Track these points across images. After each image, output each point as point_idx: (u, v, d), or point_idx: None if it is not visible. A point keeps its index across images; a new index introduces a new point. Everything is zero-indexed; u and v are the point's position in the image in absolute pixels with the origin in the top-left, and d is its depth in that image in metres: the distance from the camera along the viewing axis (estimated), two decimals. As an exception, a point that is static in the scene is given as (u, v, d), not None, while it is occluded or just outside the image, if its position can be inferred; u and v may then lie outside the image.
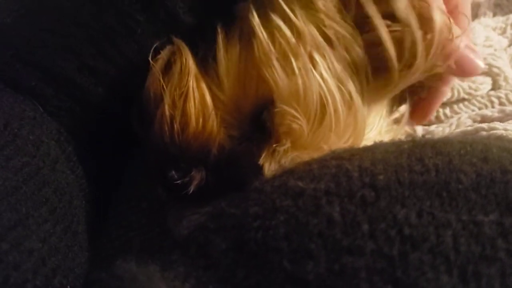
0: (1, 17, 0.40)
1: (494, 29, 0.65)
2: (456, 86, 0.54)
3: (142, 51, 0.40)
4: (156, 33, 0.40)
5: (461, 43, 0.38)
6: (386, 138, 0.44)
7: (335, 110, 0.37)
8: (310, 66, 0.37)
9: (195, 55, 0.42)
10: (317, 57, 0.37)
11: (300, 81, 0.37)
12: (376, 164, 0.27)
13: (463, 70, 0.39)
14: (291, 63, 0.37)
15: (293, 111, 0.37)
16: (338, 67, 0.37)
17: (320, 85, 0.37)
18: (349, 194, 0.25)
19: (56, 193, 0.33)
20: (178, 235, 0.41)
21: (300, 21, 0.37)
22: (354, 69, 0.39)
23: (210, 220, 0.28)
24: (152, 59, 0.40)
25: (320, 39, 0.37)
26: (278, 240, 0.24)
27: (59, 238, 0.32)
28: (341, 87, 0.37)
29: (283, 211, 0.25)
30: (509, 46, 0.61)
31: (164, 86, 0.40)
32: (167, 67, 0.41)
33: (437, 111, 0.55)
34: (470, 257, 0.21)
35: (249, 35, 0.39)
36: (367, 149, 0.31)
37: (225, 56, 0.40)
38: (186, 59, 0.40)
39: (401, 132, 0.48)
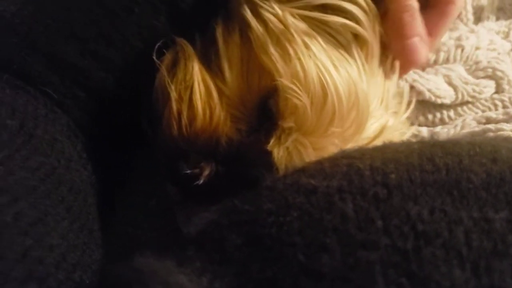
0: (5, 5, 0.40)
1: (497, 33, 0.67)
2: (460, 89, 0.56)
3: (141, 33, 0.42)
4: (155, 13, 0.42)
5: None
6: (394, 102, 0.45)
7: (336, 91, 0.38)
8: (304, 49, 0.38)
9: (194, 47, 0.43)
10: (308, 41, 0.38)
11: (298, 65, 0.38)
12: (387, 163, 0.28)
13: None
14: (287, 49, 0.38)
15: (296, 91, 0.38)
16: (329, 49, 0.39)
17: (317, 66, 0.38)
18: (361, 191, 0.26)
19: (71, 191, 0.34)
20: (188, 232, 0.42)
21: (280, 12, 0.39)
22: (343, 46, 0.40)
23: (223, 216, 0.29)
24: (157, 59, 0.41)
25: (304, 25, 0.39)
26: (293, 235, 0.25)
27: (77, 235, 0.32)
28: (338, 67, 0.39)
29: (296, 208, 0.26)
30: (512, 50, 0.62)
31: (170, 82, 0.41)
32: (173, 67, 0.42)
33: (441, 113, 0.57)
34: (482, 253, 0.22)
35: (245, 28, 0.40)
36: (377, 149, 0.32)
37: (226, 51, 0.41)
38: (189, 56, 0.41)
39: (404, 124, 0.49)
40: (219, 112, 0.40)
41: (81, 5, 0.40)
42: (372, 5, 0.40)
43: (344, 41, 0.40)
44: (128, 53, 0.42)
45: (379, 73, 0.42)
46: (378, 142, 0.40)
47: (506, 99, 0.57)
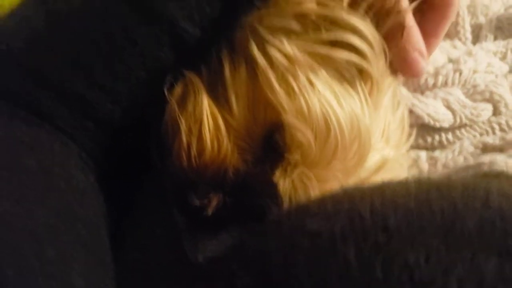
0: (12, 41, 0.42)
1: (495, 54, 0.69)
2: (458, 112, 0.58)
3: (146, 64, 0.44)
4: (158, 44, 0.44)
5: None
6: (395, 135, 0.47)
7: (339, 125, 0.40)
8: (309, 86, 0.40)
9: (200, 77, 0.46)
10: (312, 77, 0.41)
11: (302, 101, 0.40)
12: (386, 206, 0.30)
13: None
14: (291, 85, 0.40)
15: (301, 128, 0.40)
16: (334, 83, 0.41)
17: (321, 102, 0.40)
18: (363, 236, 0.28)
19: (86, 226, 0.36)
20: (194, 259, 0.44)
21: (288, 47, 0.41)
22: (348, 81, 0.42)
23: (233, 252, 0.31)
24: (167, 92, 0.43)
25: (310, 60, 0.41)
26: (300, 276, 0.27)
27: (93, 272, 0.35)
28: (341, 101, 0.41)
29: (303, 251, 0.28)
30: (509, 72, 0.64)
31: (180, 116, 0.43)
32: (182, 100, 0.44)
33: (440, 136, 0.59)
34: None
35: (251, 63, 0.42)
36: (376, 189, 0.34)
37: (233, 84, 0.43)
38: (199, 90, 0.43)
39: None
40: (227, 144, 0.42)
41: (88, 40, 0.42)
42: (378, 38, 0.42)
43: (349, 75, 0.42)
44: (133, 83, 0.44)
45: (381, 106, 0.44)
46: (379, 175, 0.42)
47: (503, 122, 0.59)
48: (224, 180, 0.42)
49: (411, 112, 0.57)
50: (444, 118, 0.58)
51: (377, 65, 0.42)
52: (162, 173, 0.44)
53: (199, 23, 0.45)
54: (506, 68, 0.64)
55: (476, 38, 0.75)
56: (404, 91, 0.58)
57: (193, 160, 0.42)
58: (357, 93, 0.42)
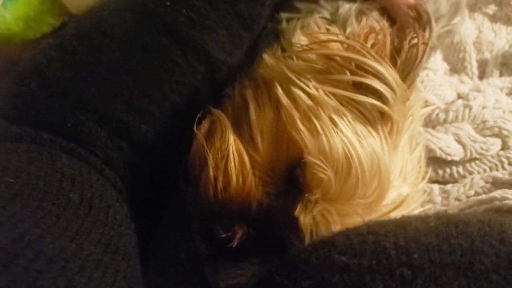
0: (59, 71, 0.45)
1: (501, 89, 0.72)
2: (468, 147, 0.60)
3: (180, 89, 0.46)
4: (193, 72, 0.47)
5: None
6: (412, 174, 0.49)
7: (359, 163, 0.43)
8: (331, 125, 0.43)
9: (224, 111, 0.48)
10: (336, 118, 0.43)
11: (325, 140, 0.43)
12: (409, 242, 0.33)
13: None
14: (315, 124, 0.43)
15: (322, 166, 0.42)
16: (356, 124, 0.44)
17: (343, 142, 0.43)
18: (389, 272, 0.30)
19: (125, 258, 0.38)
20: (216, 286, 0.46)
21: (313, 90, 0.43)
22: (369, 121, 0.45)
23: (261, 286, 0.33)
24: (196, 128, 0.46)
25: (334, 102, 0.43)
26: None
27: None
28: (362, 141, 0.43)
29: (333, 286, 0.30)
30: (516, 107, 0.67)
31: (208, 151, 0.45)
32: (209, 134, 0.47)
33: (451, 169, 0.61)
34: None
35: (276, 101, 0.45)
36: (398, 224, 0.36)
37: (258, 122, 0.46)
38: (225, 127, 0.46)
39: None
40: (251, 179, 0.45)
41: (128, 68, 0.45)
42: (400, 82, 0.45)
43: (371, 117, 0.45)
44: (167, 107, 0.47)
45: (400, 146, 0.46)
46: (397, 211, 0.45)
47: (511, 156, 0.61)
48: (248, 212, 0.45)
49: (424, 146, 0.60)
50: (455, 152, 0.60)
51: (397, 108, 0.44)
52: (188, 200, 0.46)
53: (230, 53, 0.48)
54: (512, 104, 0.67)
55: (483, 73, 0.79)
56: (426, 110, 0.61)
57: (219, 193, 0.45)
58: (378, 133, 0.44)
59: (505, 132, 0.62)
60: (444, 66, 0.78)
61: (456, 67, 0.79)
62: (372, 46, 0.47)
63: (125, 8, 0.47)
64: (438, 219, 0.36)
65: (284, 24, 0.52)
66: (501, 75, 0.78)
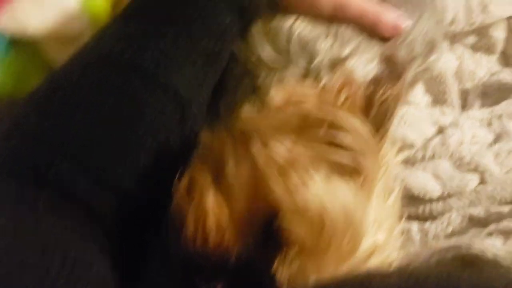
0: (37, 123, 0.47)
1: (481, 121, 0.74)
2: (446, 183, 0.62)
3: (153, 130, 0.49)
4: (164, 111, 0.49)
5: None
6: (387, 220, 0.52)
7: (333, 218, 0.45)
8: (306, 181, 0.45)
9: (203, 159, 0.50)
10: (310, 174, 0.46)
11: (300, 196, 0.45)
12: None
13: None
14: (290, 180, 0.45)
15: (297, 222, 0.44)
16: (328, 178, 0.46)
17: (317, 197, 0.45)
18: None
19: None
20: None
21: (286, 146, 0.46)
22: (342, 175, 0.47)
23: None
24: (176, 182, 0.48)
25: (309, 158, 0.46)
26: None
27: None
28: (336, 195, 0.45)
29: None
30: (494, 141, 0.69)
31: (187, 206, 0.48)
32: (189, 189, 0.49)
33: (431, 205, 0.63)
34: None
35: (253, 157, 0.47)
36: (365, 279, 0.38)
37: (235, 176, 0.48)
38: (204, 182, 0.48)
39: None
40: (230, 232, 0.47)
41: (101, 114, 0.47)
42: (371, 136, 0.47)
43: (345, 170, 0.47)
44: (142, 148, 0.49)
45: (374, 196, 0.48)
46: (373, 258, 0.47)
47: (489, 190, 0.64)
48: (228, 265, 0.47)
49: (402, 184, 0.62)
50: (433, 189, 0.63)
51: (370, 160, 0.46)
52: (170, 250, 0.48)
53: (197, 89, 0.51)
54: (490, 137, 0.69)
55: (465, 102, 0.81)
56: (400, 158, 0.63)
57: (199, 246, 0.47)
58: (351, 186, 0.46)
59: (482, 168, 0.64)
60: (426, 99, 0.80)
61: (438, 98, 0.81)
62: (345, 100, 0.49)
63: (93, 56, 0.50)
64: (399, 275, 0.38)
65: (261, 78, 0.54)
66: (482, 104, 0.80)
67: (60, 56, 0.55)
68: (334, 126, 0.47)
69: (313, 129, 0.47)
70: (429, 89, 0.80)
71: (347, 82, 0.50)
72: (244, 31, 0.54)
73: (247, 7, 0.52)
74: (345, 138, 0.46)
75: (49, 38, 0.57)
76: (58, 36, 0.56)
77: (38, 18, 0.55)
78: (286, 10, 0.56)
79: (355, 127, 0.46)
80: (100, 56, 0.49)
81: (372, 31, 0.57)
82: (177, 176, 0.49)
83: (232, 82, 0.57)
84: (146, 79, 0.48)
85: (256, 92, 0.55)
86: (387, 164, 0.52)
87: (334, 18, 0.56)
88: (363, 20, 0.56)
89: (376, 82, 0.49)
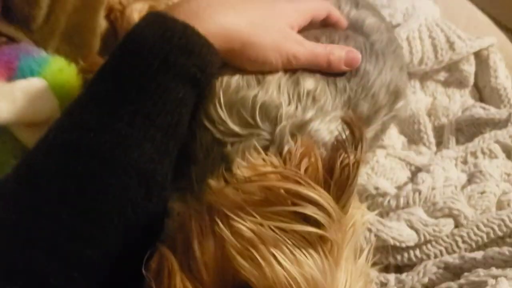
0: (4, 216, 0.48)
1: (456, 159, 0.75)
2: (421, 231, 0.64)
3: (118, 209, 0.50)
4: (127, 188, 0.50)
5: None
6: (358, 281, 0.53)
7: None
8: (271, 255, 0.47)
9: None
10: (275, 247, 0.47)
11: (266, 270, 0.46)
12: None
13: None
14: (255, 255, 0.47)
15: None
16: (295, 250, 0.47)
17: (284, 270, 0.46)
18: None
19: None
20: None
21: (251, 222, 0.47)
22: (309, 245, 0.48)
23: None
24: (145, 266, 0.50)
25: (274, 233, 0.47)
26: None
27: None
28: (303, 267, 0.47)
29: None
30: (468, 181, 0.70)
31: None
32: (158, 272, 0.50)
33: (408, 253, 0.65)
34: None
35: (219, 233, 0.49)
36: None
37: (202, 254, 0.49)
38: (172, 265, 0.50)
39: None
40: None
41: (66, 200, 0.49)
42: (334, 205, 0.48)
43: (311, 240, 0.47)
44: (108, 228, 0.50)
45: (342, 260, 0.50)
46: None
47: (464, 234, 0.65)
48: None
49: (377, 237, 0.64)
50: (409, 238, 0.64)
51: (334, 228, 0.48)
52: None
53: (160, 161, 0.52)
54: (464, 178, 0.71)
55: (440, 139, 0.83)
56: (370, 215, 0.65)
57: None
58: (319, 254, 0.48)
59: (455, 212, 0.65)
60: (402, 139, 0.82)
61: (413, 138, 0.83)
62: (306, 170, 0.50)
63: (55, 144, 0.51)
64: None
65: (228, 147, 0.56)
66: (457, 141, 0.81)
67: (31, 139, 0.57)
68: (297, 197, 0.48)
69: (277, 202, 0.49)
70: (403, 131, 0.83)
71: (308, 150, 0.52)
72: (201, 98, 0.56)
73: (200, 78, 0.53)
74: (308, 210, 0.47)
75: (20, 123, 0.59)
76: (29, 121, 0.58)
77: (9, 106, 0.57)
78: (240, 70, 0.58)
79: (316, 198, 0.48)
80: (61, 144, 0.51)
81: (327, 70, 0.59)
82: (147, 255, 0.50)
83: (202, 150, 0.59)
84: (105, 161, 0.50)
85: (225, 159, 0.57)
86: (354, 227, 0.53)
87: (288, 68, 0.58)
88: (315, 64, 0.59)
89: (337, 146, 0.51)
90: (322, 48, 0.59)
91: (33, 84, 0.59)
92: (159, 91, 0.51)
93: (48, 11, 0.66)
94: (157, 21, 0.53)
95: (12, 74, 0.60)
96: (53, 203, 0.49)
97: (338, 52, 0.59)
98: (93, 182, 0.49)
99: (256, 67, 0.57)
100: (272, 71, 0.58)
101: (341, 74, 0.61)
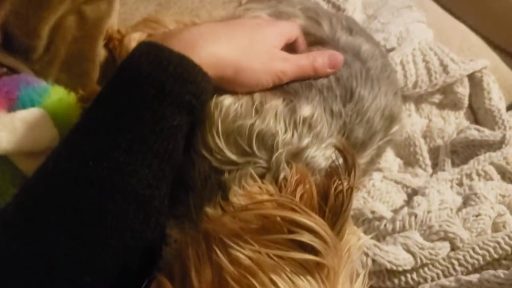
0: (6, 246, 0.49)
1: (451, 181, 0.77)
2: (417, 254, 0.65)
3: (117, 234, 0.51)
4: (125, 213, 0.51)
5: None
6: None
7: None
8: (269, 283, 0.48)
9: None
10: (272, 275, 0.48)
11: None
12: None
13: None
14: (254, 283, 0.48)
15: None
16: (292, 276, 0.48)
17: None
18: None
19: None
20: None
21: (250, 251, 0.48)
22: (305, 272, 0.49)
23: None
24: None
25: (272, 260, 0.48)
26: None
27: None
28: None
29: None
30: (463, 204, 0.72)
31: None
32: None
33: (405, 277, 0.66)
34: None
35: (216, 262, 0.50)
36: None
37: (199, 283, 0.50)
38: None
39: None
40: None
41: (65, 229, 0.50)
42: (330, 232, 0.50)
43: (308, 267, 0.48)
44: (107, 253, 0.51)
45: (340, 285, 0.51)
46: None
47: (461, 257, 0.66)
48: None
49: (374, 261, 0.65)
50: (406, 262, 0.65)
51: (330, 255, 0.49)
52: None
53: (157, 187, 0.53)
54: (459, 201, 0.72)
55: (435, 161, 0.84)
56: (366, 239, 0.66)
57: None
58: (316, 281, 0.48)
59: (451, 235, 0.66)
60: (398, 162, 0.83)
61: (409, 160, 0.84)
62: (301, 197, 0.52)
63: (54, 172, 0.53)
64: None
65: (226, 175, 0.57)
66: (452, 163, 0.83)
67: (31, 168, 0.58)
68: (294, 225, 0.49)
69: (274, 230, 0.50)
70: (399, 153, 0.84)
71: (303, 177, 0.53)
72: (196, 123, 0.58)
73: (195, 104, 0.55)
74: (304, 238, 0.49)
75: (20, 153, 0.60)
76: (29, 150, 0.60)
77: (9, 136, 0.58)
78: (238, 98, 0.60)
79: (312, 225, 0.49)
80: (60, 173, 0.52)
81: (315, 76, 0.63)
82: (145, 283, 0.51)
83: (200, 178, 0.60)
84: (103, 188, 0.51)
85: (222, 187, 0.58)
86: (349, 252, 0.54)
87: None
88: (303, 74, 0.62)
89: (330, 173, 0.52)
90: (306, 59, 0.62)
91: (33, 114, 0.61)
92: (155, 118, 0.53)
93: (48, 41, 0.67)
94: (153, 50, 0.54)
95: (13, 104, 0.62)
96: (52, 231, 0.50)
97: (321, 59, 0.63)
98: (92, 209, 0.51)
99: (248, 89, 0.60)
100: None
101: (337, 99, 0.62)
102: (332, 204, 0.50)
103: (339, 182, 0.51)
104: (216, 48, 0.57)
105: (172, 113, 0.54)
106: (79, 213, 0.51)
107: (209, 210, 0.56)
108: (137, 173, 0.52)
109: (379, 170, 0.78)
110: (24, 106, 0.62)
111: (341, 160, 0.52)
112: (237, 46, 0.59)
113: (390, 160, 0.80)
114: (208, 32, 0.58)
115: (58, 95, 0.64)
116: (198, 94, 0.54)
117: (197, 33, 0.57)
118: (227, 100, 0.59)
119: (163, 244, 0.57)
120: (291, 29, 0.66)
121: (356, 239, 0.56)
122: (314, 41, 0.71)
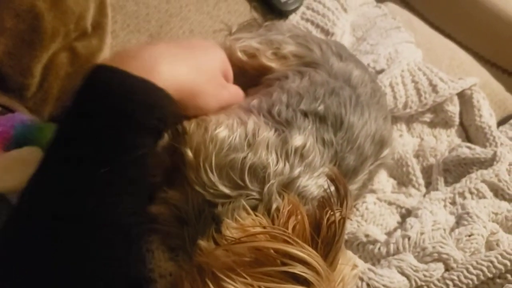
0: None
1: (444, 200, 0.79)
2: (412, 277, 0.67)
3: (102, 273, 0.52)
4: (110, 246, 0.52)
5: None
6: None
7: None
8: None
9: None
10: None
11: None
12: None
13: None
14: None
15: None
16: None
17: None
18: None
19: None
20: None
21: (241, 283, 0.50)
22: None
23: None
24: None
25: None
26: None
27: None
28: None
29: None
30: (456, 224, 0.73)
31: None
32: None
33: (401, 298, 0.67)
34: None
35: None
36: None
37: None
38: None
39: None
40: None
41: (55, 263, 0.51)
42: (323, 263, 0.52)
43: None
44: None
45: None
46: None
47: (455, 277, 0.68)
48: None
49: (369, 285, 0.66)
50: (400, 285, 0.67)
51: (324, 286, 0.51)
52: None
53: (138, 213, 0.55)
54: (452, 220, 0.74)
55: (429, 180, 0.86)
56: (361, 264, 0.68)
57: None
58: None
59: (445, 256, 0.68)
60: (391, 182, 0.86)
61: (403, 180, 0.86)
62: (294, 228, 0.54)
63: (37, 211, 0.52)
64: None
65: (219, 208, 0.59)
66: (445, 181, 0.85)
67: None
68: (286, 257, 0.51)
69: (267, 262, 0.52)
70: (392, 174, 0.86)
71: (294, 208, 0.55)
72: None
73: (162, 128, 0.57)
74: (298, 269, 0.51)
75: (15, 192, 0.62)
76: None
77: (4, 175, 0.61)
78: (232, 131, 0.63)
79: (304, 257, 0.51)
80: (44, 212, 0.51)
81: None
82: None
83: (194, 212, 0.62)
84: (89, 224, 0.51)
85: (216, 220, 0.60)
86: (343, 282, 0.56)
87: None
88: (234, 101, 0.67)
89: (322, 204, 0.54)
90: (233, 88, 0.67)
91: (28, 152, 0.63)
92: (127, 147, 0.53)
93: (41, 79, 0.69)
94: (115, 78, 0.54)
95: (8, 144, 0.64)
96: (40, 267, 0.51)
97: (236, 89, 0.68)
98: (79, 247, 0.51)
99: (198, 114, 0.63)
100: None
101: (328, 128, 0.65)
102: (325, 235, 0.52)
103: (331, 213, 0.53)
104: (176, 70, 0.58)
105: (142, 140, 0.54)
106: (66, 251, 0.51)
107: (202, 243, 0.58)
108: (120, 203, 0.53)
109: (373, 191, 0.79)
110: (18, 145, 0.64)
111: (333, 189, 0.54)
112: (195, 69, 0.60)
113: (383, 181, 0.82)
114: (167, 53, 0.58)
115: (52, 132, 0.65)
116: (164, 118, 0.56)
117: (157, 53, 0.57)
118: (222, 133, 0.61)
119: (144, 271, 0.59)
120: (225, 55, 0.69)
121: (350, 268, 0.58)
122: (309, 62, 0.73)
